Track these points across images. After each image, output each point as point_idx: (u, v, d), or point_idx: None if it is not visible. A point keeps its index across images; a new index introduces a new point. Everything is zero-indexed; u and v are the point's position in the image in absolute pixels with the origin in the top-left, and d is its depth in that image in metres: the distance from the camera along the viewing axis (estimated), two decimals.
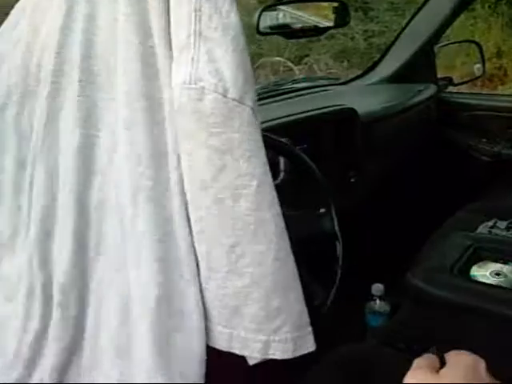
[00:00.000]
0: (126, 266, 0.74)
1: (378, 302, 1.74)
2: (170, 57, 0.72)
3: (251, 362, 0.76)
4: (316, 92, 2.28)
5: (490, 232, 1.97)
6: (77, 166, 0.77)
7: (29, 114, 0.84)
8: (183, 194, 0.73)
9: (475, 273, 1.63)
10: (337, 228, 1.33)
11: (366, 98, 2.19)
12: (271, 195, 0.72)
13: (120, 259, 0.75)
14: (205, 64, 0.68)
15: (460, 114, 2.49)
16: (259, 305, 0.72)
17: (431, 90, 2.33)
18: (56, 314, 0.77)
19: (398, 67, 2.38)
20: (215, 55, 0.68)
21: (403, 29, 2.39)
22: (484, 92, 3.43)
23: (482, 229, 1.98)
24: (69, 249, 0.76)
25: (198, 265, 0.74)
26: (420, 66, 2.40)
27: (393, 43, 2.43)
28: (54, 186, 0.78)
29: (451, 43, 2.80)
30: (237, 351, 0.75)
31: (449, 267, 1.63)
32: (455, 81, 2.58)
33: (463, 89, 2.79)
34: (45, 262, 0.77)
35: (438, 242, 1.80)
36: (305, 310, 0.75)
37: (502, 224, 2.03)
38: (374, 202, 1.83)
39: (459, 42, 3.00)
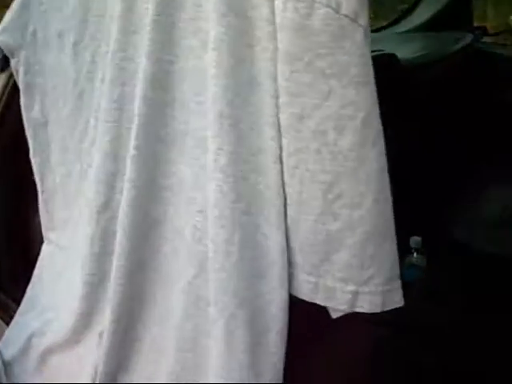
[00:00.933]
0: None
1: (415, 254, 1.70)
2: None
3: (335, 315, 0.71)
4: None
5: None
6: (150, 97, 0.72)
7: (93, 42, 0.80)
8: (276, 125, 0.67)
9: None
10: None
11: (402, 45, 2.11)
12: (377, 130, 0.65)
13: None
14: None
15: (495, 65, 2.40)
16: (352, 251, 0.66)
17: (468, 38, 2.24)
18: None
19: (434, 14, 2.29)
20: None
21: None
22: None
23: None
24: None
25: (286, 205, 0.68)
26: (457, 14, 2.30)
27: None
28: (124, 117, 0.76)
29: None
30: (321, 302, 0.69)
31: (491, 219, 1.61)
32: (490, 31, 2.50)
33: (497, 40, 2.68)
34: None
35: (479, 194, 1.77)
36: (397, 261, 0.69)
37: None
38: (412, 151, 1.78)
39: None
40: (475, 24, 2.48)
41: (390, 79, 1.77)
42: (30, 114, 0.97)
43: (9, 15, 0.96)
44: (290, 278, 0.69)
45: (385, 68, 1.75)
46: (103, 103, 0.79)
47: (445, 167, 1.83)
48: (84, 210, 0.85)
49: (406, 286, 1.75)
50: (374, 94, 0.65)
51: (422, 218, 1.65)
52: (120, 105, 0.77)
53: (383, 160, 0.66)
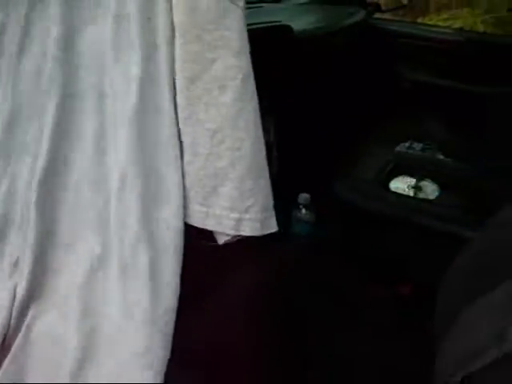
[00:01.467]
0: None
1: (303, 210, 1.82)
2: None
3: (221, 241, 0.83)
4: (249, 8, 2.29)
5: (406, 152, 2.11)
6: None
7: None
8: (172, 84, 0.79)
9: (394, 185, 1.77)
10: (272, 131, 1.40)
11: (298, 16, 2.22)
12: (253, 88, 0.78)
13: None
14: None
15: (385, 40, 2.57)
16: (234, 185, 0.80)
17: (361, 14, 2.39)
18: None
19: None
20: None
21: None
22: (400, 19, 3.54)
23: (400, 148, 2.13)
24: None
25: (182, 151, 0.79)
26: None
27: None
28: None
29: None
30: (211, 228, 0.82)
31: (371, 179, 1.75)
32: (382, 7, 2.65)
33: (388, 16, 2.86)
34: None
35: (361, 156, 1.92)
36: (271, 194, 0.83)
37: (418, 145, 2.19)
38: (303, 115, 1.90)
39: None
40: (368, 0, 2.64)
41: (284, 49, 1.89)
42: None
43: None
44: (185, 209, 0.81)
45: (279, 38, 1.87)
46: None
47: (332, 132, 1.97)
48: None
49: (295, 239, 1.89)
50: (250, 61, 0.78)
51: (310, 178, 1.78)
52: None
53: (258, 113, 0.80)
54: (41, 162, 0.83)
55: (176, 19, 0.77)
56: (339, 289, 1.51)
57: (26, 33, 0.85)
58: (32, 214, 0.84)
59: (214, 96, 0.77)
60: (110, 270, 0.82)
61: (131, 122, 0.78)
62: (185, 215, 0.81)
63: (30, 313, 0.87)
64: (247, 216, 0.81)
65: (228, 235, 0.83)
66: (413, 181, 1.79)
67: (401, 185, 1.77)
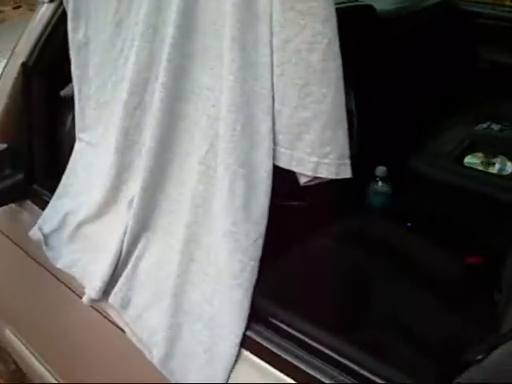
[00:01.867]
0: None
1: (380, 183, 1.91)
2: None
3: (302, 181, 0.97)
4: None
5: (482, 130, 2.17)
6: (179, 24, 0.98)
7: None
8: (269, 46, 0.93)
9: (469, 160, 1.85)
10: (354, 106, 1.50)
11: None
12: (336, 51, 0.91)
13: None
14: None
15: (467, 21, 2.60)
16: (316, 133, 0.93)
17: None
18: None
19: None
20: None
21: None
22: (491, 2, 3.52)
23: (478, 128, 2.19)
24: None
25: (273, 101, 0.94)
26: None
27: None
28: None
29: None
30: (294, 168, 0.96)
31: (446, 154, 1.84)
32: None
33: None
34: None
35: (438, 133, 2.00)
36: (347, 145, 0.95)
37: (496, 127, 2.24)
38: (383, 90, 1.97)
39: None
40: None
41: (367, 28, 1.98)
42: (75, 36, 1.19)
43: None
44: (274, 151, 0.95)
45: (362, 18, 1.96)
46: (140, 28, 1.02)
47: (412, 108, 2.05)
48: (117, 110, 1.08)
49: (371, 210, 1.98)
50: (335, 27, 0.90)
51: (388, 151, 1.86)
52: (155, 30, 1.01)
53: (341, 72, 0.92)
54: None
55: None
56: (409, 255, 1.58)
57: None
58: (146, 157, 1.01)
59: (303, 56, 0.90)
60: (211, 207, 0.97)
61: (235, 79, 0.93)
62: (274, 158, 0.96)
63: (139, 245, 1.04)
64: (325, 161, 0.94)
65: (308, 176, 0.96)
66: (487, 157, 1.86)
67: (475, 160, 1.85)
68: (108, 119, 1.15)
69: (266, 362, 0.91)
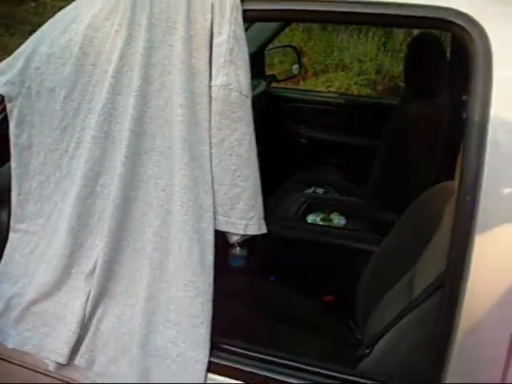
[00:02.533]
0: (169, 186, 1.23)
1: (238, 248, 2.22)
2: (205, 70, 1.23)
3: (234, 239, 1.27)
4: None
5: (317, 193, 2.62)
6: (132, 131, 1.24)
7: (79, 97, 1.29)
8: (209, 143, 1.23)
9: (310, 219, 2.25)
10: None
11: None
12: (254, 144, 1.24)
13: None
14: (232, 77, 1.20)
15: (283, 105, 3.09)
16: (244, 203, 1.24)
17: (262, 85, 2.87)
18: None
19: None
20: (238, 73, 1.20)
21: None
22: (293, 87, 4.11)
23: (306, 193, 2.62)
24: None
25: (213, 183, 1.24)
26: (253, 66, 2.90)
27: None
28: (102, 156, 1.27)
29: (277, 47, 3.38)
30: (229, 230, 1.26)
31: (292, 216, 2.22)
32: (277, 78, 3.19)
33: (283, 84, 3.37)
34: None
35: (279, 200, 2.39)
36: (262, 209, 1.27)
37: (320, 190, 2.72)
38: None
39: (282, 46, 3.57)
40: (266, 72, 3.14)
41: None
42: (17, 140, 1.36)
43: (12, 71, 1.35)
44: (215, 219, 1.24)
45: None
46: (92, 133, 1.25)
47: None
48: (62, 201, 1.30)
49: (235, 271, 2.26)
50: (253, 129, 1.24)
51: None
52: (106, 134, 1.25)
53: (256, 159, 1.25)
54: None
55: (215, 107, 1.22)
56: (275, 300, 1.83)
57: None
58: (106, 235, 1.24)
59: (235, 150, 1.22)
60: (167, 269, 1.22)
61: (187, 169, 1.21)
62: (215, 224, 1.24)
63: (99, 310, 1.25)
64: (251, 222, 1.26)
65: (238, 235, 1.27)
66: (324, 214, 2.29)
67: (316, 217, 2.27)
68: (50, 211, 1.33)
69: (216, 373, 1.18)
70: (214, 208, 1.24)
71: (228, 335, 1.25)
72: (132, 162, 1.24)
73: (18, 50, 1.39)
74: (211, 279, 1.21)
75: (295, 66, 3.20)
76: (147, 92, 1.24)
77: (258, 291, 1.87)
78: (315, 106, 3.09)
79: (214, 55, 1.22)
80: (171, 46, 1.24)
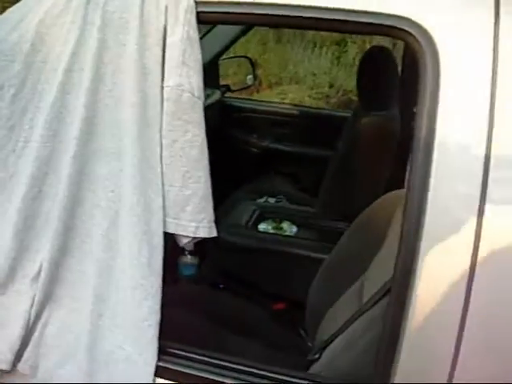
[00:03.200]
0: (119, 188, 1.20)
1: (189, 256, 2.21)
2: (158, 70, 1.20)
3: (184, 241, 1.25)
4: None
5: (268, 202, 2.63)
6: (81, 130, 1.21)
7: (28, 95, 1.25)
8: (160, 144, 1.21)
9: (262, 227, 2.26)
10: None
11: None
12: (205, 146, 1.22)
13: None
14: (185, 78, 1.18)
15: (236, 114, 3.11)
16: (195, 205, 1.22)
17: (217, 94, 2.88)
18: None
19: None
20: (190, 74, 1.18)
21: None
22: (247, 97, 4.13)
23: (258, 202, 2.63)
24: None
25: (163, 184, 1.21)
26: (208, 75, 2.91)
27: None
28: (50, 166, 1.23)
29: (231, 57, 3.40)
30: (179, 233, 1.23)
31: (244, 224, 2.22)
32: (232, 88, 3.19)
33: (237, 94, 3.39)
34: None
35: (231, 208, 2.39)
36: (213, 212, 1.26)
37: (272, 200, 2.73)
38: None
39: (237, 56, 3.59)
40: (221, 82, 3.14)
41: None
42: None
43: None
44: (164, 221, 1.21)
45: None
46: (39, 131, 1.22)
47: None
48: (7, 202, 1.24)
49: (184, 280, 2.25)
50: (204, 129, 1.22)
51: None
52: (55, 133, 1.22)
53: (207, 159, 1.23)
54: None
55: (166, 108, 1.20)
56: (224, 308, 1.83)
57: None
58: (52, 237, 1.21)
59: (186, 152, 1.20)
60: (114, 270, 1.19)
61: (136, 170, 1.19)
62: (164, 226, 1.22)
63: (44, 314, 1.21)
64: (201, 224, 1.23)
65: (188, 237, 1.24)
66: (276, 223, 2.30)
67: (267, 226, 2.28)
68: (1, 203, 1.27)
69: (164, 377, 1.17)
70: (164, 210, 1.22)
71: (174, 340, 1.23)
72: (80, 162, 1.21)
73: None
74: (160, 281, 1.19)
75: (249, 77, 3.21)
76: (98, 91, 1.22)
77: (206, 298, 1.86)
78: (268, 116, 3.11)
79: (166, 56, 1.21)
80: (124, 45, 1.22)
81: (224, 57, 3.10)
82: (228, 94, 3.15)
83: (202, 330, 1.62)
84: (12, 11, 1.32)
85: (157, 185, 1.21)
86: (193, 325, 1.63)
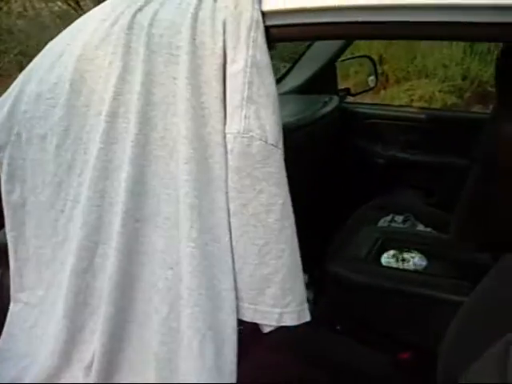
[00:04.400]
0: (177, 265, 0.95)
1: None
2: (219, 111, 0.96)
3: (266, 330, 0.98)
4: None
5: (389, 225, 2.29)
6: (131, 189, 0.98)
7: (73, 146, 1.02)
8: (227, 209, 0.96)
9: (385, 260, 1.94)
10: None
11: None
12: (290, 209, 0.97)
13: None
14: (253, 120, 0.93)
15: (358, 122, 2.80)
16: (277, 286, 0.97)
17: (335, 101, 2.60)
18: None
19: (307, 78, 2.63)
20: (260, 114, 0.93)
21: (308, 47, 2.64)
22: (374, 101, 3.83)
23: (383, 223, 2.32)
24: None
25: (233, 262, 0.96)
26: (324, 79, 2.66)
27: (299, 58, 2.68)
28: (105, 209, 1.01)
29: (350, 58, 3.09)
30: (258, 321, 0.98)
31: (364, 256, 1.92)
32: (352, 91, 2.89)
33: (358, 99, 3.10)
34: None
35: (349, 236, 2.09)
36: (305, 290, 0.99)
37: (399, 218, 2.38)
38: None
39: (357, 57, 3.28)
40: (340, 83, 2.84)
41: None
42: (10, 198, 1.16)
43: None
44: (238, 307, 0.98)
45: None
46: (86, 192, 1.02)
47: (318, 212, 2.14)
48: (60, 272, 1.06)
49: None
50: (287, 188, 0.96)
51: (306, 258, 1.94)
52: (102, 194, 1.01)
53: (294, 227, 0.98)
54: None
55: (231, 162, 0.94)
56: (340, 356, 1.62)
57: None
58: (103, 321, 0.99)
59: (261, 218, 0.95)
60: (177, 367, 0.96)
61: (196, 245, 0.94)
62: (238, 313, 0.98)
63: None
64: (287, 310, 0.99)
65: (272, 326, 0.99)
66: (401, 254, 1.97)
67: (391, 259, 1.95)
68: (49, 280, 1.12)
69: None
70: (237, 293, 0.97)
71: None
72: (132, 232, 0.99)
73: (8, 91, 1.17)
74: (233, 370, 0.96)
75: (371, 78, 2.89)
76: (148, 140, 0.99)
77: (320, 341, 1.64)
78: (394, 122, 2.77)
79: (228, 91, 0.95)
80: (175, 78, 0.98)
81: (342, 57, 2.80)
82: (349, 99, 2.87)
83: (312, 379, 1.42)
84: (53, 43, 1.12)
85: (225, 262, 0.96)
86: (303, 372, 1.43)
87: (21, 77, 1.18)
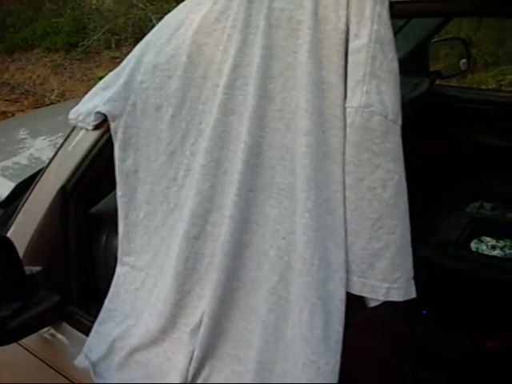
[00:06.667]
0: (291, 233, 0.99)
1: None
2: (339, 85, 0.97)
3: (372, 304, 1.00)
4: None
5: (477, 212, 2.25)
6: (246, 160, 1.02)
7: (188, 116, 1.06)
8: (342, 183, 0.98)
9: (475, 245, 1.92)
10: None
11: None
12: (404, 185, 0.97)
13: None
14: (374, 95, 0.94)
15: (449, 105, 2.74)
16: (388, 261, 0.98)
17: (425, 83, 2.56)
18: None
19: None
20: (381, 89, 0.94)
21: (401, 27, 2.60)
22: (461, 85, 3.72)
23: (470, 209, 2.28)
24: None
25: (346, 233, 0.98)
26: (416, 61, 2.61)
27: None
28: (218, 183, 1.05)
29: (443, 40, 3.03)
30: (366, 295, 1.00)
31: (453, 241, 1.90)
32: (443, 74, 2.83)
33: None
34: None
35: (438, 220, 2.07)
36: (412, 267, 1.00)
37: (488, 205, 2.34)
38: None
39: (450, 38, 3.22)
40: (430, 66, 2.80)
41: None
42: (123, 164, 1.21)
43: (114, 88, 1.21)
44: (347, 280, 0.99)
45: None
46: (201, 161, 1.07)
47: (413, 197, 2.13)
48: (170, 238, 1.11)
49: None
50: (403, 164, 0.97)
51: None
52: (217, 163, 1.05)
53: (407, 204, 0.99)
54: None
55: (350, 136, 0.97)
56: (426, 340, 1.61)
57: None
58: (213, 286, 1.04)
59: (377, 193, 0.96)
60: (283, 336, 0.99)
61: (311, 216, 0.98)
62: (346, 286, 1.00)
63: (204, 372, 1.05)
64: (395, 285, 0.99)
65: (378, 300, 1.00)
66: (492, 241, 1.94)
67: (481, 245, 1.93)
68: (157, 246, 1.17)
69: None
70: (347, 266, 0.98)
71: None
72: (245, 201, 1.02)
73: (123, 62, 1.22)
74: (338, 358, 0.96)
75: (463, 61, 2.82)
76: (265, 112, 1.01)
77: (405, 325, 1.63)
78: (486, 107, 2.69)
79: (349, 65, 0.96)
80: (295, 52, 0.99)
81: (435, 39, 2.74)
82: (438, 82, 2.79)
83: (391, 366, 1.44)
84: (167, 20, 1.16)
85: (338, 235, 0.98)
86: (387, 357, 1.45)
87: (136, 48, 1.22)
